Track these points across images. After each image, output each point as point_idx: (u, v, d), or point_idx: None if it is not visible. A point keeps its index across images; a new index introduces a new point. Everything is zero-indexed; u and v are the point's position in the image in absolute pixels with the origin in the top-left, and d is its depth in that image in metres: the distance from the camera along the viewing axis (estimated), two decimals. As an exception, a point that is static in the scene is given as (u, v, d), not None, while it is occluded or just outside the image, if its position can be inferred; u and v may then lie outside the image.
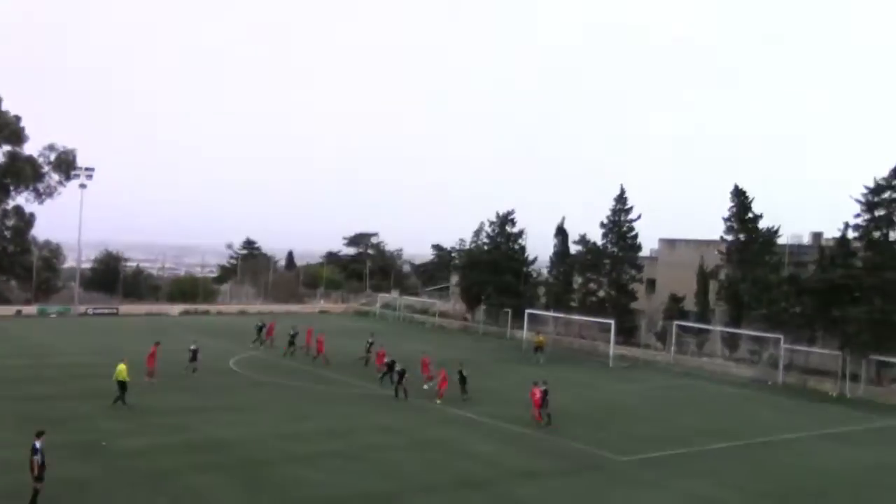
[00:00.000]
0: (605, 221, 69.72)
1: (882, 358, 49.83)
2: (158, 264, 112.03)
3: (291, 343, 51.66)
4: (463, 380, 40.47)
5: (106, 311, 76.44)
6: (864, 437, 37.97)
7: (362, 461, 27.80)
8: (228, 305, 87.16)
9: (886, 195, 51.38)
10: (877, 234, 51.95)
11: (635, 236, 69.50)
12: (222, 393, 38.76)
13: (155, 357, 40.54)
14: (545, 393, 35.36)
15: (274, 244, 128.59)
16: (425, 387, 41.79)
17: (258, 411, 35.23)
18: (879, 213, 51.73)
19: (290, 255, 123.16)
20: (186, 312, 79.55)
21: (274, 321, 59.09)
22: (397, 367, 40.68)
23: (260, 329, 57.09)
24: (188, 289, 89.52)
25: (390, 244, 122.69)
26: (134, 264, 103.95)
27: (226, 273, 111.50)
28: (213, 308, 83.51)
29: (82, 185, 77.98)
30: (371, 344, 50.89)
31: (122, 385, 34.94)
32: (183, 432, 30.61)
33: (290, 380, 43.45)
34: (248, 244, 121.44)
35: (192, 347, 44.03)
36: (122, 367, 35.29)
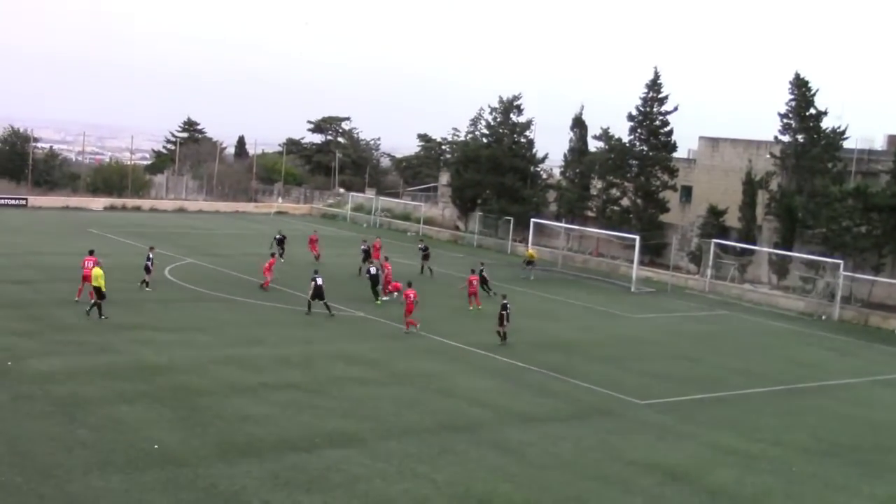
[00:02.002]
0: (634, 113, 69.50)
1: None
2: (77, 147, 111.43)
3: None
4: (484, 280, 47.35)
5: (12, 201, 76.31)
6: (932, 385, 38.78)
7: (322, 396, 28.28)
8: (164, 201, 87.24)
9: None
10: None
11: (670, 133, 69.44)
12: (155, 308, 39.08)
13: None
14: (505, 307, 37.76)
15: (221, 128, 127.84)
16: (384, 299, 44.27)
17: (198, 332, 35.64)
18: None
19: (241, 142, 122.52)
20: (112, 207, 79.63)
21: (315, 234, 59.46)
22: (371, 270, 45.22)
23: (281, 242, 55.31)
24: (114, 179, 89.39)
25: (366, 132, 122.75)
26: (46, 146, 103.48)
27: (161, 161, 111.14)
28: (144, 203, 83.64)
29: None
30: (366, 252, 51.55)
31: (100, 293, 35.69)
32: (106, 353, 30.98)
33: (239, 294, 43.82)
34: (189, 126, 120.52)
35: (149, 256, 43.76)
36: (98, 271, 36.01)
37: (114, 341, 32.65)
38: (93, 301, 36.05)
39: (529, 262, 58.98)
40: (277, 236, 55.13)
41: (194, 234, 66.50)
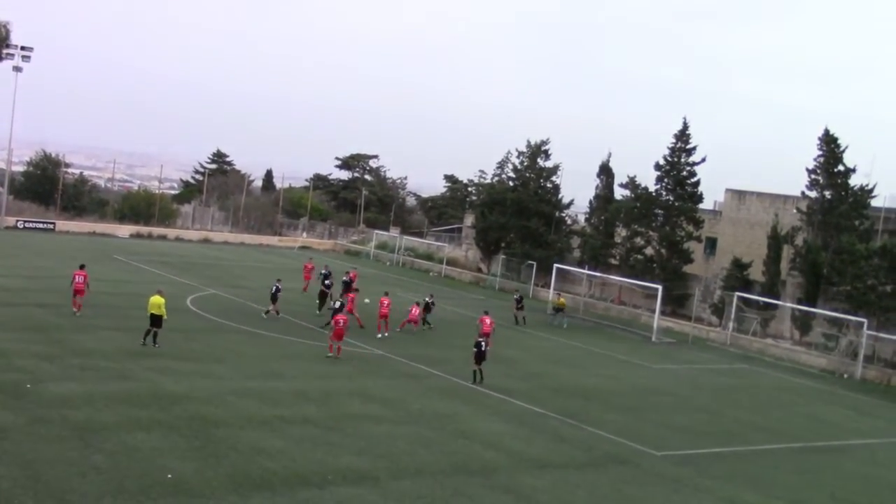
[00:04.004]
0: (661, 162, 69.58)
1: None
2: (107, 174, 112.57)
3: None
4: (427, 308, 48.53)
5: (40, 225, 77.04)
6: (954, 450, 38.31)
7: (337, 432, 28.24)
8: (189, 230, 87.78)
9: None
10: None
11: (696, 183, 69.47)
12: (176, 337, 39.22)
13: None
14: (425, 308, 40.62)
15: (250, 161, 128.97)
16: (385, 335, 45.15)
17: (217, 362, 35.74)
18: None
19: (269, 175, 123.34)
20: (138, 235, 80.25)
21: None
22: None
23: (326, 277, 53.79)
24: (142, 206, 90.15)
25: (393, 171, 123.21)
26: (76, 172, 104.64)
27: (189, 191, 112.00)
28: (170, 232, 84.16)
29: (17, 69, 78.07)
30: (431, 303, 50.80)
31: (157, 321, 36.25)
32: (124, 380, 31.11)
33: (261, 327, 43.94)
34: (218, 157, 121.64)
35: (277, 285, 46.94)
36: (157, 298, 36.51)
37: (133, 369, 32.79)
38: (150, 329, 36.47)
39: (559, 308, 58.66)
40: (324, 271, 54.07)
41: (218, 265, 66.83)
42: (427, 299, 50.26)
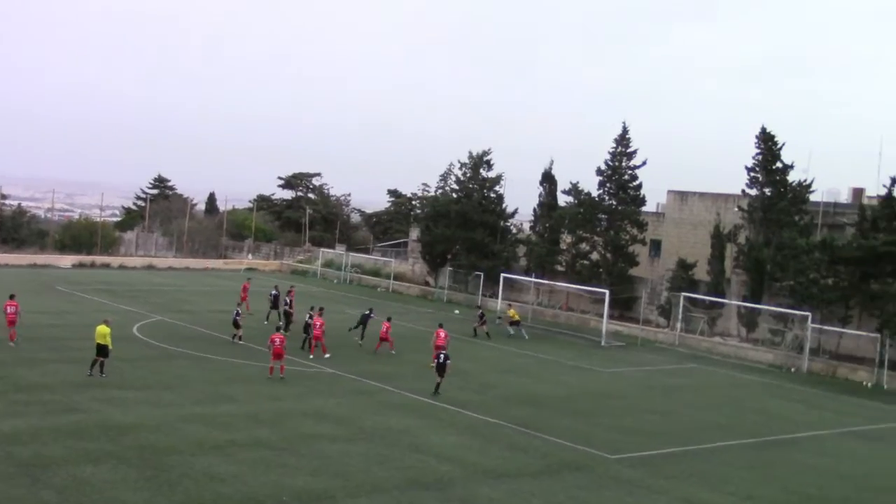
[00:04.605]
0: (603, 167, 70.16)
1: (928, 343, 50.99)
2: (46, 204, 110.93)
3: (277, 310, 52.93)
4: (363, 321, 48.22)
5: (-22, 260, 75.64)
6: (900, 436, 39.06)
7: (291, 453, 28.06)
8: (133, 258, 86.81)
9: (943, 146, 52.17)
10: (929, 192, 52.81)
11: (638, 187, 70.10)
12: (123, 366, 38.71)
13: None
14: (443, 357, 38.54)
15: (192, 185, 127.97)
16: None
17: (166, 389, 35.31)
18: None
19: (212, 198, 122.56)
20: (80, 265, 79.12)
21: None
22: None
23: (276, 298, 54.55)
24: (83, 236, 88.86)
25: (336, 188, 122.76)
26: (14, 203, 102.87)
27: (131, 218, 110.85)
28: (114, 260, 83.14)
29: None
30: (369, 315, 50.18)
31: (103, 350, 35.87)
32: (71, 413, 30.64)
33: (208, 351, 43.56)
34: (160, 182, 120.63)
35: (368, 310, 49.07)
36: (102, 328, 36.14)
37: (79, 400, 32.31)
38: (96, 359, 36.05)
39: (515, 322, 58.10)
40: (273, 292, 54.75)
41: (163, 291, 66.14)
42: (366, 312, 49.96)
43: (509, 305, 61.22)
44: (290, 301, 51.96)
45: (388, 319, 47.84)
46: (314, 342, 44.30)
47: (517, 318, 58.23)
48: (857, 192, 66.99)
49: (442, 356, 38.67)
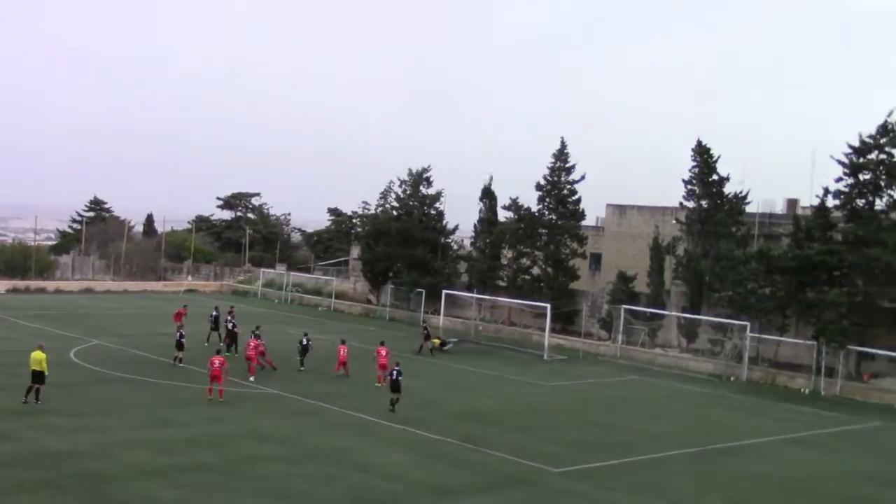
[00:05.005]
0: (542, 183, 70.57)
1: (863, 349, 51.93)
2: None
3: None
4: (304, 350, 46.65)
5: None
6: (838, 441, 39.69)
7: (234, 476, 27.73)
8: (70, 282, 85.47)
9: (873, 156, 53.25)
10: (861, 202, 53.88)
11: (577, 201, 70.66)
12: (60, 392, 38.00)
13: None
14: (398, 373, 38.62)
15: (129, 206, 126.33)
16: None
17: (104, 415, 34.74)
18: (864, 177, 53.61)
19: (150, 220, 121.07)
20: (14, 290, 77.66)
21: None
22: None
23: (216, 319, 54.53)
24: (17, 260, 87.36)
25: (276, 207, 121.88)
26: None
27: (67, 241, 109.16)
28: (49, 284, 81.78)
29: None
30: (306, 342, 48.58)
31: (39, 377, 35.13)
32: (6, 441, 29.95)
33: (148, 375, 42.96)
34: (96, 204, 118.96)
35: (304, 339, 47.41)
36: (38, 354, 35.43)
37: (14, 428, 31.61)
38: (32, 386, 35.20)
39: (443, 343, 57.74)
40: (214, 313, 54.45)
41: (101, 315, 65.15)
42: (303, 342, 47.79)
43: (426, 332, 57.55)
44: (233, 321, 51.55)
45: (343, 342, 47.03)
46: (248, 362, 43.96)
47: (437, 342, 57.54)
48: (792, 203, 68.11)
49: (394, 372, 38.67)
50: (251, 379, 42.86)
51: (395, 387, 38.28)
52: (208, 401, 37.83)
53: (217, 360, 38.42)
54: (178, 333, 46.87)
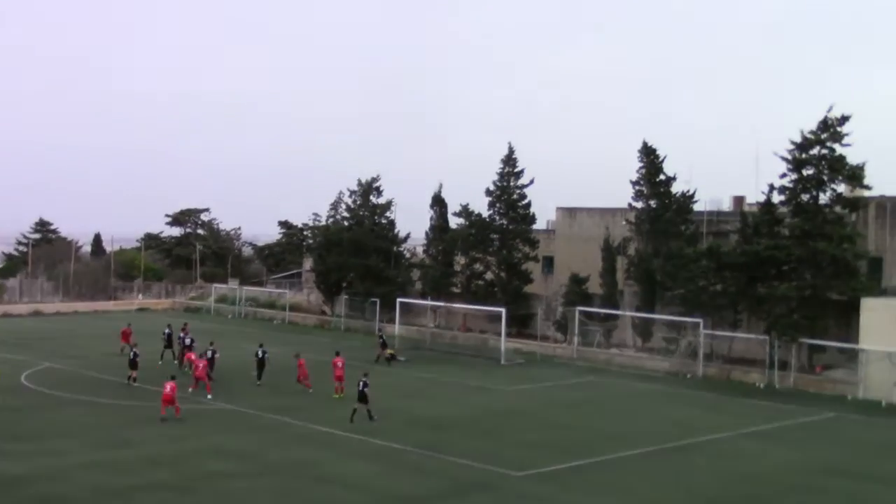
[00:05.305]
0: (491, 188, 70.74)
1: (814, 341, 52.57)
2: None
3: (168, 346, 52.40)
4: (261, 363, 46.47)
5: None
6: (794, 433, 40.13)
7: (194, 494, 27.49)
8: (18, 305, 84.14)
9: (815, 151, 53.94)
10: (805, 196, 54.55)
11: (528, 205, 70.87)
12: (12, 416, 37.49)
13: None
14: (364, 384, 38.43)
15: (76, 226, 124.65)
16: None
17: (60, 437, 34.28)
18: (808, 172, 54.27)
19: (98, 239, 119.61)
20: (-38, 315, 76.31)
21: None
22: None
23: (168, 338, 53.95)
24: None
25: (225, 222, 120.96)
26: None
27: (13, 264, 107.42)
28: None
29: None
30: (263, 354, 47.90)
31: None
32: (-40, 469, 29.49)
33: (102, 396, 42.42)
34: (42, 226, 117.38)
35: (260, 352, 47.11)
36: None
37: (-32, 455, 31.10)
38: None
39: (392, 356, 57.35)
40: (167, 331, 53.81)
41: (52, 338, 64.18)
42: (259, 355, 47.42)
43: (383, 346, 57.79)
44: (187, 337, 51.18)
45: (297, 355, 46.54)
46: (197, 380, 43.59)
47: (392, 353, 57.39)
48: (738, 200, 68.77)
49: (361, 383, 38.51)
50: (209, 397, 42.47)
51: (362, 397, 38.09)
52: (161, 420, 37.38)
53: (169, 385, 37.97)
54: (132, 353, 46.29)
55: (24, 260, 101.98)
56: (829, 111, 53.41)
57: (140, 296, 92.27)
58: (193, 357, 46.23)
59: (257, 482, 29.08)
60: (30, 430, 35.25)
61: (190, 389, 42.55)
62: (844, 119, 53.26)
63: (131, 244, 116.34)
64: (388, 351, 57.03)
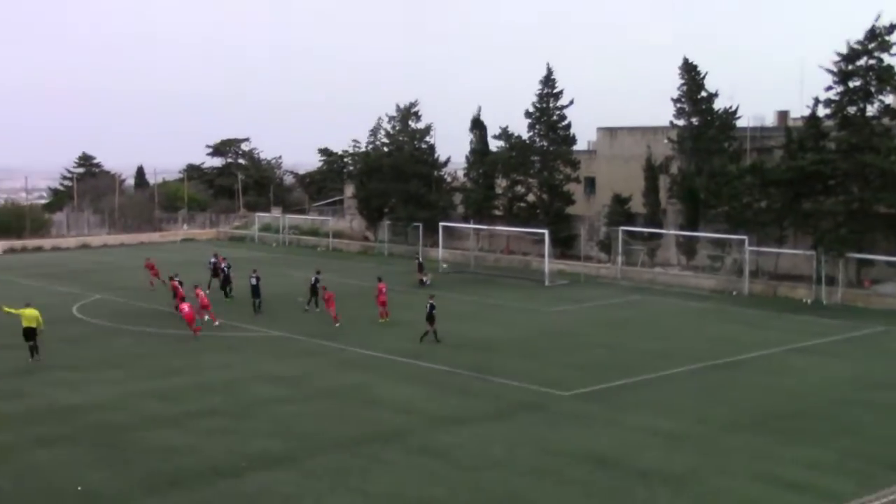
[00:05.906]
0: (531, 110, 70.09)
1: (862, 256, 52.01)
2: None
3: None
4: (315, 291, 46.40)
5: None
6: (843, 348, 39.85)
7: (246, 419, 27.90)
8: (66, 238, 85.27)
9: (862, 62, 52.72)
10: (852, 109, 53.50)
11: (568, 126, 70.20)
12: (66, 347, 38.15)
13: None
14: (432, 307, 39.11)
15: (119, 160, 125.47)
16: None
17: (114, 367, 34.87)
18: (854, 84, 53.14)
19: (141, 172, 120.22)
20: (11, 250, 77.52)
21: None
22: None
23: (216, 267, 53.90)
24: (11, 220, 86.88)
25: (266, 151, 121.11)
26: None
27: (59, 198, 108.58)
28: (46, 243, 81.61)
29: None
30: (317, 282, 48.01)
31: (31, 333, 35.14)
32: (19, 399, 30.12)
33: (152, 326, 43.04)
34: (85, 160, 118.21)
35: (314, 279, 47.16)
36: (31, 311, 35.44)
37: (25, 385, 31.76)
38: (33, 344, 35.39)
39: (422, 282, 57.29)
40: (213, 260, 54.45)
41: (100, 270, 65.07)
42: (313, 281, 47.51)
43: (420, 270, 58.31)
44: (221, 265, 51.79)
45: (380, 279, 45.59)
46: (206, 311, 43.31)
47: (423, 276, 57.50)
48: (782, 116, 67.73)
49: (429, 306, 39.28)
50: (216, 324, 42.82)
51: (430, 318, 38.94)
52: (193, 336, 39.16)
53: (186, 307, 39.81)
54: (177, 281, 46.52)
55: (70, 194, 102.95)
56: (876, 20, 52.14)
57: (185, 226, 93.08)
58: (200, 293, 45.11)
59: (308, 406, 29.46)
60: (84, 360, 35.90)
61: (216, 323, 43.01)
62: (893, 27, 51.95)
63: (174, 176, 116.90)
64: (419, 276, 57.12)
